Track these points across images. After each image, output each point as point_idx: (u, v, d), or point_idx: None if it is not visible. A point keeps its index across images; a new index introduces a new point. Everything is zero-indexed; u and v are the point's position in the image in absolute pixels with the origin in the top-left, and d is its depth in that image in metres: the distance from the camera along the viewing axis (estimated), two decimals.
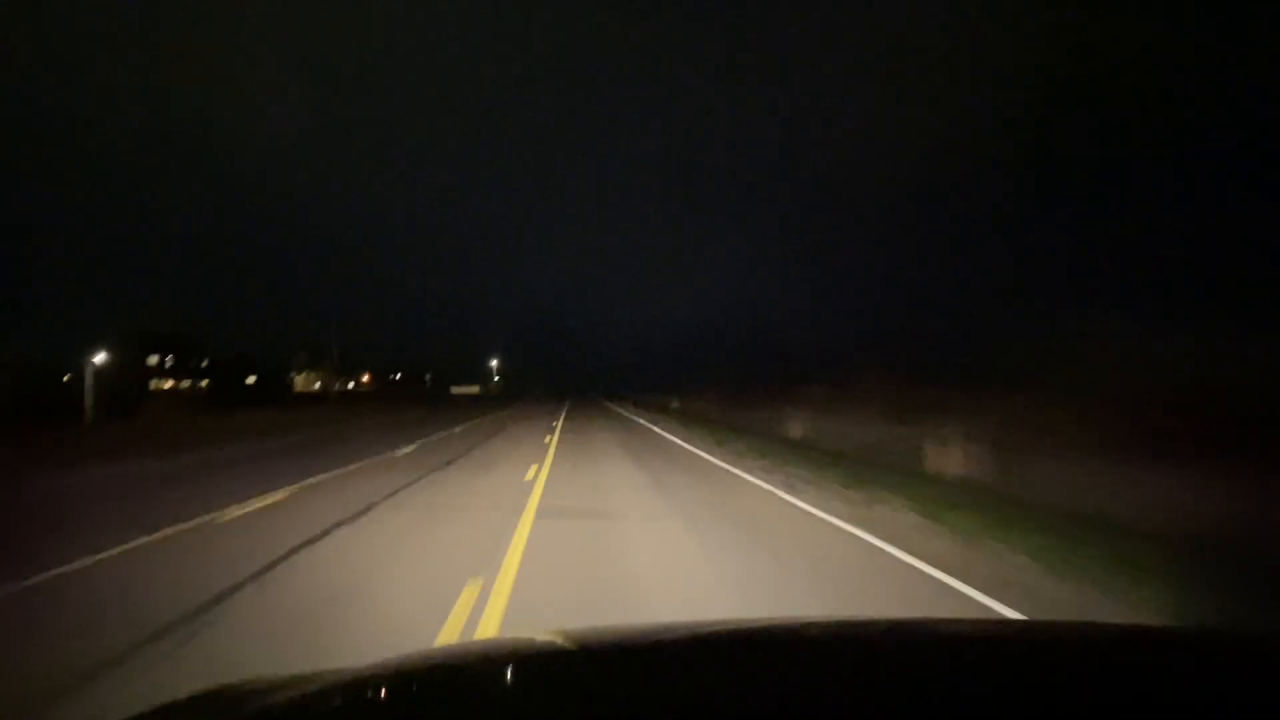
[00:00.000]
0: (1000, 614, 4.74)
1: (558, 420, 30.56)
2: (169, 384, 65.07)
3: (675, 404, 43.43)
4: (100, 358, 36.75)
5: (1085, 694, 1.06)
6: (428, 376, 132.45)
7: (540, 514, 8.10)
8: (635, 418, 34.75)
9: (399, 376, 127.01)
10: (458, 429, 24.60)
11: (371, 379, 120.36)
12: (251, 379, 75.48)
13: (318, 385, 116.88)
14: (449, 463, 13.70)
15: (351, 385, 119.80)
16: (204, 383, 64.61)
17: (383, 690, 1.20)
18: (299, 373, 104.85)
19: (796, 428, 19.42)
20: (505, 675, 1.29)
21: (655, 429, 24.98)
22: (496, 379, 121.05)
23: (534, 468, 12.78)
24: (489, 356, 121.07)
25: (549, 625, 2.73)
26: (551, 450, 16.38)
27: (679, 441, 19.52)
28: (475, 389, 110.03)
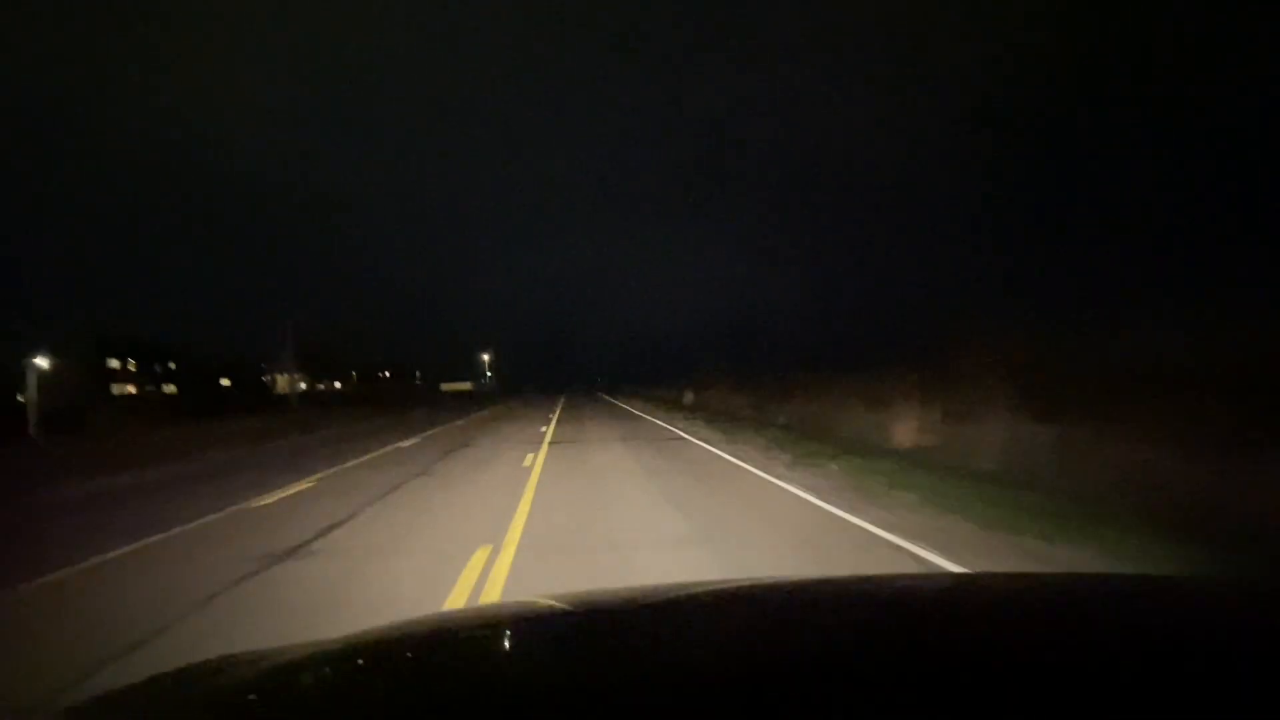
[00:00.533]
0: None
1: (548, 425, 24.56)
2: (131, 389, 60.86)
3: (689, 397, 36.18)
4: (42, 362, 32.54)
5: (1057, 641, 1.12)
6: (417, 374, 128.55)
7: None
8: (651, 418, 27.37)
9: (387, 374, 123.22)
10: (413, 439, 20.07)
11: (357, 378, 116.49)
12: (226, 381, 71.72)
13: (303, 386, 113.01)
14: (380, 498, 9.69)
15: (339, 385, 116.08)
16: (171, 387, 60.32)
17: (378, 656, 1.20)
18: (281, 374, 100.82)
19: (907, 433, 14.02)
20: (498, 640, 1.32)
21: (693, 441, 16.40)
22: (489, 375, 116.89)
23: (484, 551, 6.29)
24: (481, 351, 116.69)
25: None
26: (528, 497, 9.31)
27: (757, 472, 11.29)
28: (467, 386, 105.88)
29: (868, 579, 1.99)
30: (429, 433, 22.44)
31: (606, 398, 57.59)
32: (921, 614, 1.36)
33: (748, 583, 1.87)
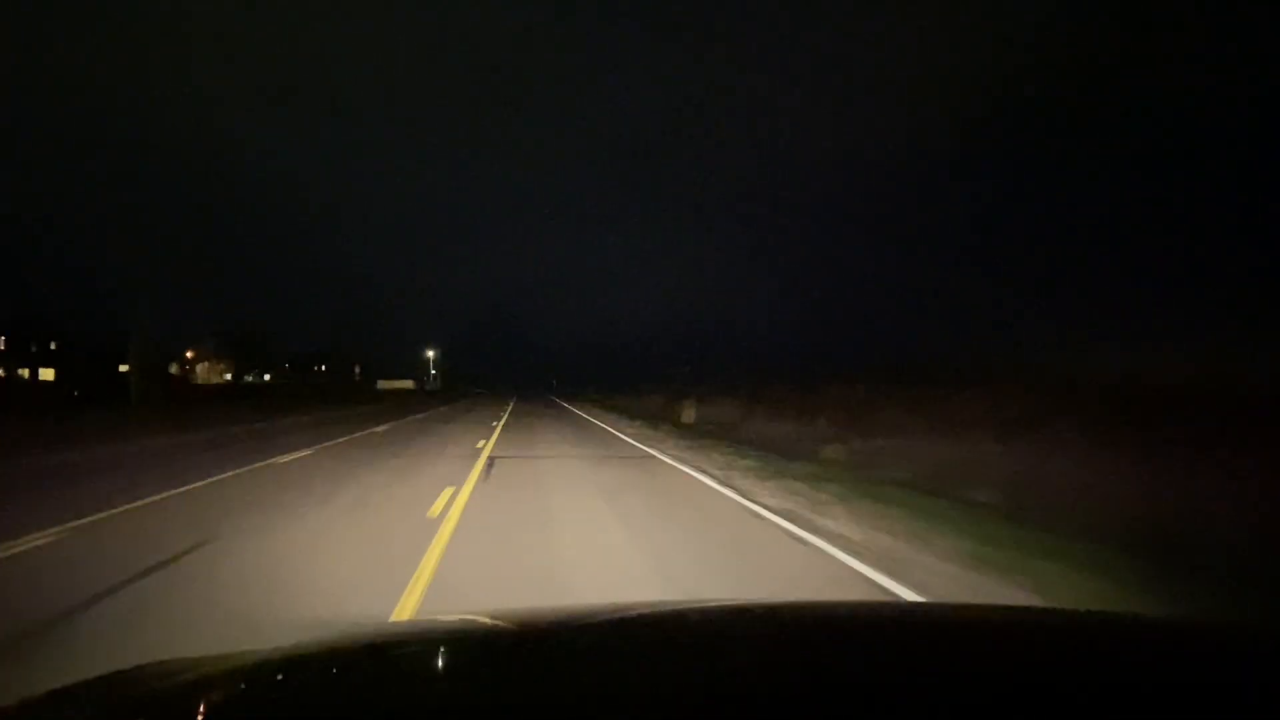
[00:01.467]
0: None
1: (486, 439, 18.23)
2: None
3: (689, 412, 27.23)
4: None
5: (1033, 678, 1.10)
6: (357, 369, 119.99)
7: None
8: (646, 445, 17.25)
9: (323, 368, 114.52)
10: (303, 453, 14.16)
11: (290, 370, 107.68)
12: (125, 368, 63.14)
13: (228, 376, 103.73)
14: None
15: (267, 377, 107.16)
16: (49, 372, 51.75)
17: (306, 673, 1.19)
18: (198, 362, 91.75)
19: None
20: (434, 657, 1.30)
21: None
22: (434, 374, 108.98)
23: None
24: (428, 348, 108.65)
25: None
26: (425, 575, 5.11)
27: None
28: (409, 384, 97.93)
29: (827, 605, 2.24)
30: (353, 436, 18.29)
31: (564, 404, 50.87)
32: (880, 644, 1.34)
33: (692, 605, 1.98)
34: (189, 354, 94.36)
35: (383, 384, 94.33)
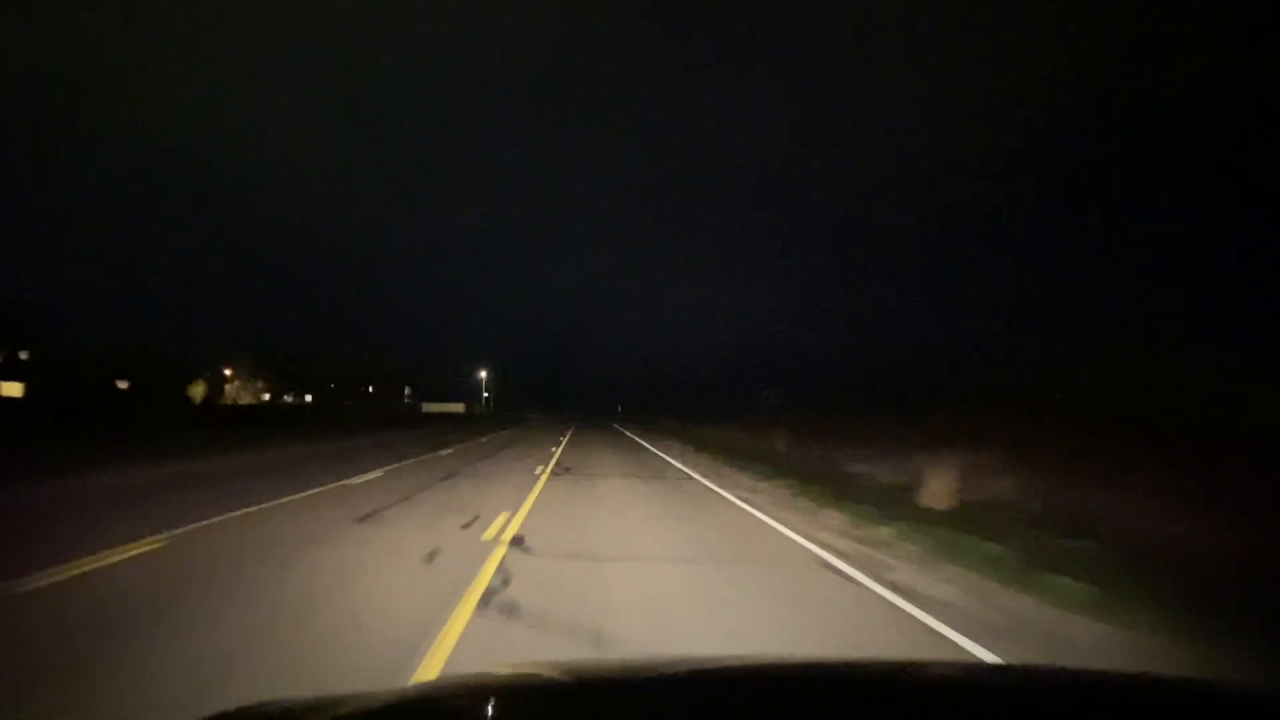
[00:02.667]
0: None
1: (513, 510, 9.80)
2: None
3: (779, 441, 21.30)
4: None
5: None
6: (407, 390, 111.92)
7: None
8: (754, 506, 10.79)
9: (369, 389, 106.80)
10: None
11: (336, 391, 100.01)
12: (124, 384, 55.35)
13: (266, 397, 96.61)
14: None
15: (309, 398, 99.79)
16: (15, 386, 43.43)
17: None
18: (227, 382, 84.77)
19: None
20: (516, 709, 1.32)
21: None
22: (485, 395, 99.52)
23: None
24: (477, 370, 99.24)
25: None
26: None
27: None
28: (459, 407, 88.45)
29: (886, 665, 2.10)
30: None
31: (634, 437, 39.37)
32: (941, 708, 1.34)
33: (756, 661, 1.92)
34: (227, 372, 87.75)
35: (429, 406, 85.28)
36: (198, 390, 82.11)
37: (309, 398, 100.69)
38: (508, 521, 8.71)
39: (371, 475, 13.71)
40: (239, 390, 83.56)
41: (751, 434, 27.17)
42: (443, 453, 20.38)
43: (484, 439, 29.04)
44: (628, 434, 38.95)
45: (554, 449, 23.65)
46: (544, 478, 13.68)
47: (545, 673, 1.56)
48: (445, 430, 35.99)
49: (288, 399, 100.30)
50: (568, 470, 16.21)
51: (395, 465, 15.95)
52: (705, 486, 13.41)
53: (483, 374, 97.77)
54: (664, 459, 21.08)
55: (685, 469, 17.73)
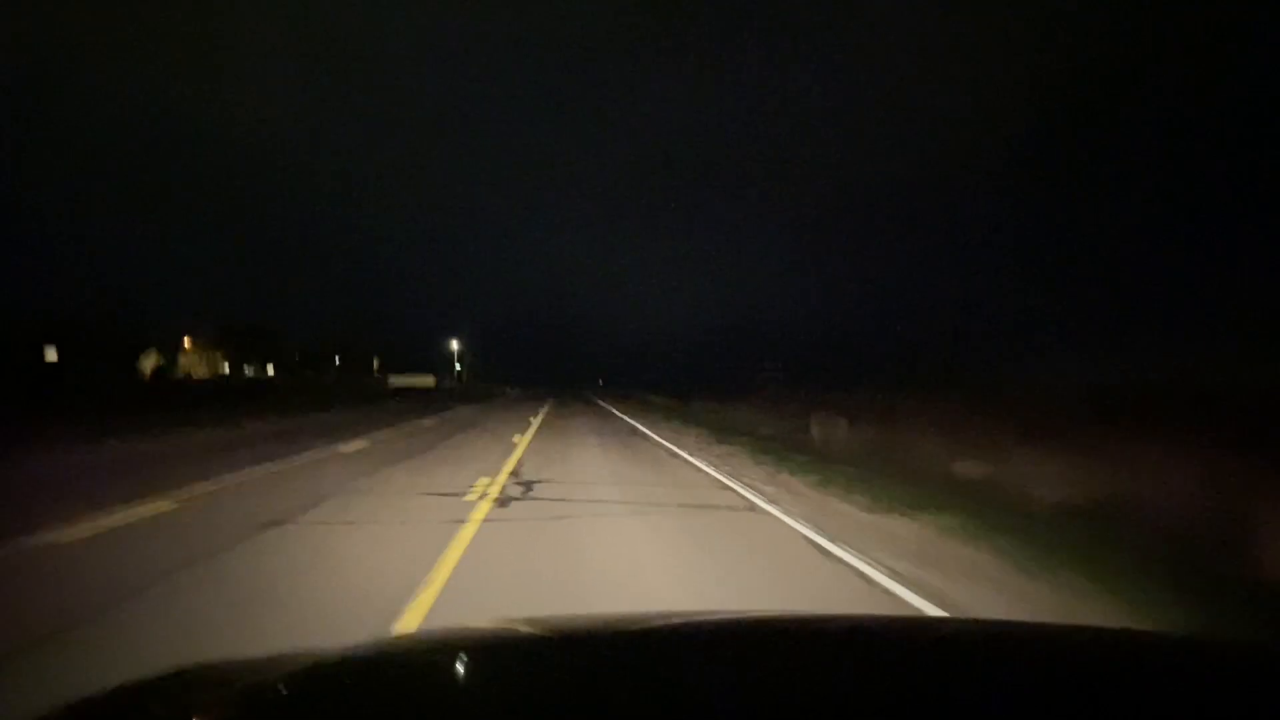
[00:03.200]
0: None
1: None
2: None
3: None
4: None
5: (1067, 698, 1.11)
6: (376, 362, 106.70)
7: None
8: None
9: (338, 361, 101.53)
10: None
11: (300, 363, 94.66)
12: (53, 355, 50.07)
13: (227, 369, 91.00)
14: None
15: (271, 371, 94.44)
16: None
17: (352, 678, 1.21)
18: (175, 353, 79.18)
19: None
20: (476, 664, 1.28)
21: None
22: (458, 369, 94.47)
23: None
24: (452, 340, 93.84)
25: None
26: None
27: None
28: (428, 380, 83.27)
29: (860, 620, 2.26)
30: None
31: (612, 408, 34.84)
32: (919, 662, 1.35)
33: (738, 616, 1.96)
34: (187, 344, 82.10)
35: (397, 380, 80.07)
36: (149, 362, 76.57)
37: (271, 371, 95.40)
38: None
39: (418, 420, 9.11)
40: (194, 363, 77.95)
41: (772, 414, 22.47)
42: (344, 449, 14.04)
43: (430, 421, 23.16)
44: (618, 414, 31.89)
45: (517, 440, 17.52)
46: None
47: (519, 628, 1.57)
48: (399, 409, 30.37)
49: (248, 372, 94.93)
50: (527, 492, 9.18)
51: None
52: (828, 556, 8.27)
53: (454, 345, 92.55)
54: (694, 467, 12.91)
55: (748, 493, 9.42)
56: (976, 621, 3.13)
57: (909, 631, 1.72)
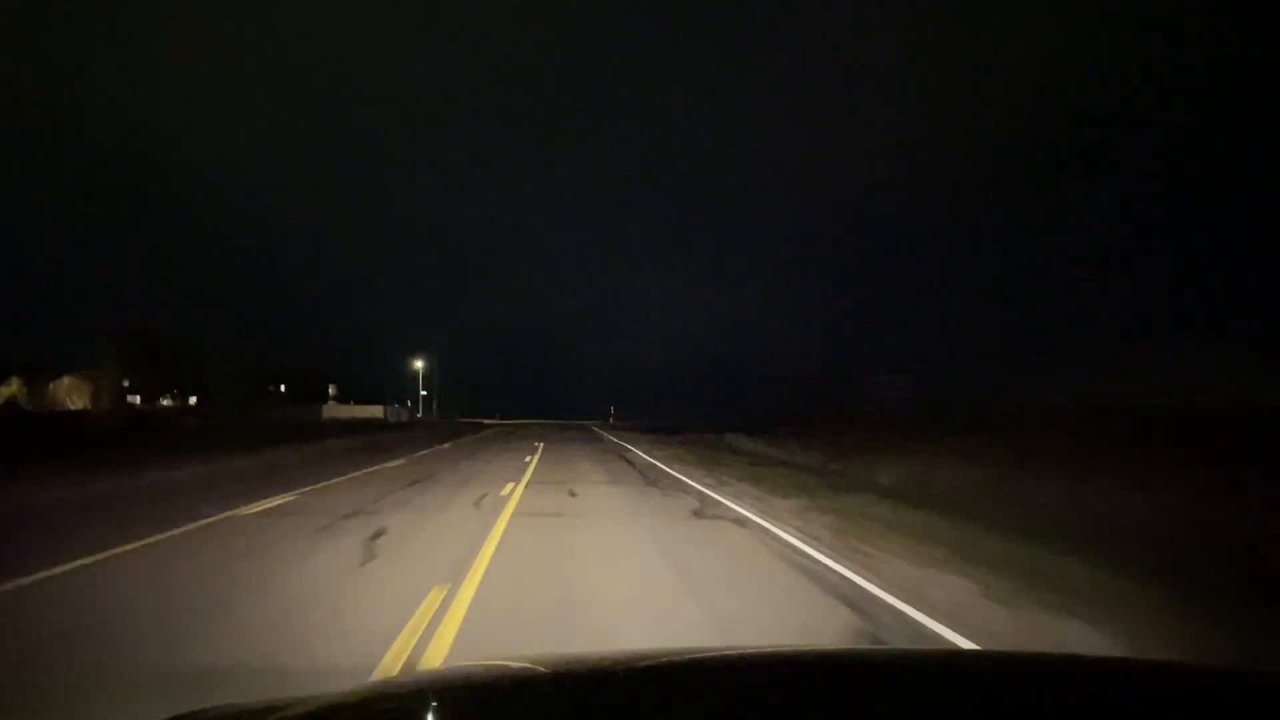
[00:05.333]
0: None
1: None
2: None
3: None
4: None
5: None
6: (331, 389, 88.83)
7: None
8: None
9: (281, 389, 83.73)
10: None
11: (229, 392, 76.68)
12: None
13: (136, 400, 73.07)
14: None
15: (193, 400, 76.59)
16: None
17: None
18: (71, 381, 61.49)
19: None
20: (484, 703, 1.30)
21: None
22: (423, 394, 76.15)
23: None
24: (413, 359, 75.45)
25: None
26: None
27: None
28: (376, 411, 65.11)
29: (868, 653, 2.45)
30: None
31: (696, 483, 16.74)
32: (917, 695, 1.34)
33: (738, 652, 1.93)
34: (89, 372, 64.54)
35: (335, 411, 62.30)
36: (7, 391, 58.79)
37: (193, 400, 77.49)
38: None
39: None
40: (72, 391, 60.24)
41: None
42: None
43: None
44: (650, 471, 16.02)
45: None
46: None
47: (519, 665, 1.57)
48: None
49: (165, 402, 77.11)
50: None
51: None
52: None
53: (418, 364, 74.21)
54: None
55: None
56: (987, 654, 3.28)
57: (918, 666, 1.69)
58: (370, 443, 26.24)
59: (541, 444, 27.75)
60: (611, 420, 76.68)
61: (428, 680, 1.70)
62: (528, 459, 19.43)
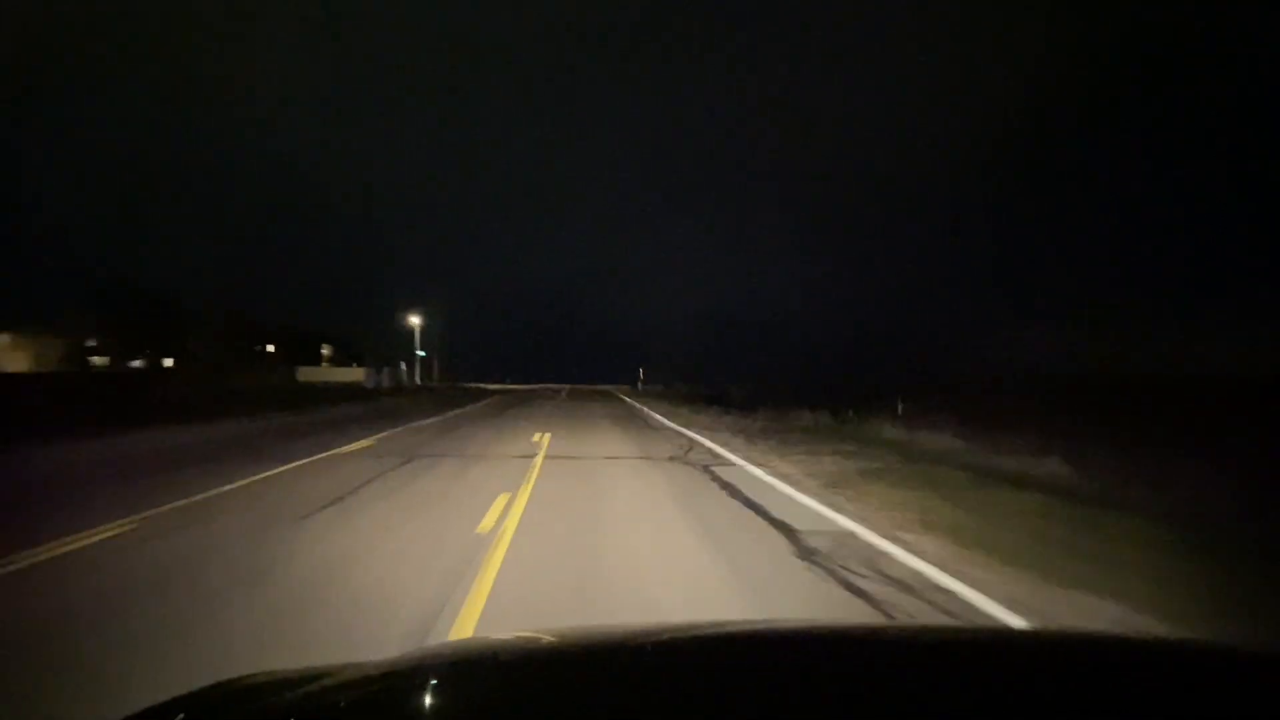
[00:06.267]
0: None
1: None
2: None
3: None
4: None
5: (1072, 704, 1.12)
6: (325, 349, 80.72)
7: None
8: None
9: (271, 349, 75.84)
10: None
11: (222, 351, 68.88)
12: None
13: (96, 360, 65.49)
14: None
15: (169, 362, 69.09)
16: None
17: (382, 691, 1.22)
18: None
19: None
20: (512, 675, 1.31)
21: None
22: (421, 354, 67.67)
23: None
24: (406, 314, 66.70)
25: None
26: None
27: None
28: (357, 375, 56.60)
29: (883, 629, 2.42)
30: None
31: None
32: (938, 672, 1.33)
33: (754, 627, 1.94)
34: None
35: (309, 374, 54.32)
36: None
37: (169, 362, 69.69)
38: None
39: None
40: (9, 350, 52.39)
41: None
42: None
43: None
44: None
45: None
46: None
47: (544, 639, 1.58)
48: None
49: (135, 363, 69.41)
50: None
51: None
52: None
53: (414, 320, 65.45)
54: None
55: None
56: (994, 630, 3.19)
57: (939, 642, 1.68)
58: (285, 429, 17.26)
59: (547, 435, 16.03)
60: (640, 385, 66.30)
61: (456, 655, 1.60)
62: (545, 433, 11.36)
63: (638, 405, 33.29)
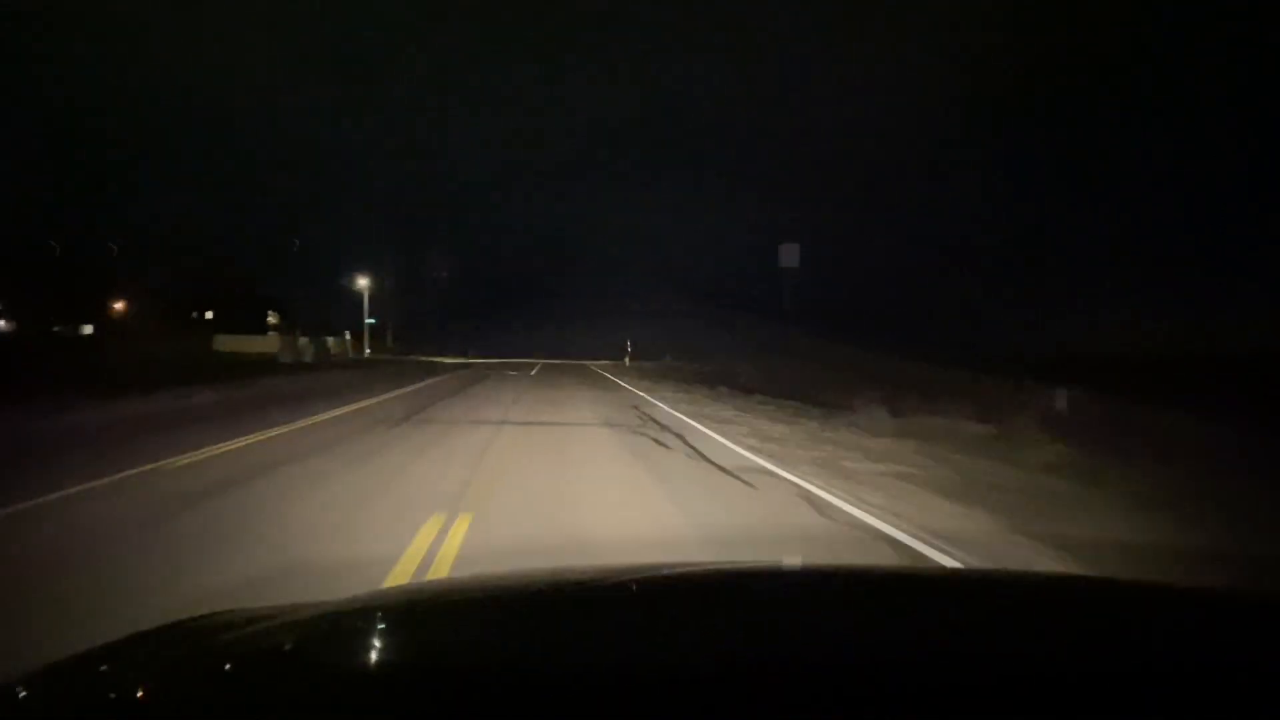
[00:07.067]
0: None
1: None
2: None
3: None
4: None
5: (1026, 640, 1.13)
6: (272, 316, 72.72)
7: None
8: None
9: (209, 315, 67.96)
10: None
11: (154, 317, 61.07)
12: None
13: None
14: None
15: (89, 329, 61.31)
16: None
17: (331, 632, 1.20)
18: None
19: None
20: (480, 613, 1.31)
21: None
22: (370, 322, 59.96)
23: None
24: (356, 276, 58.81)
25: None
26: None
27: None
28: (271, 344, 48.42)
29: (857, 571, 2.29)
30: None
31: None
32: (911, 611, 1.33)
33: (732, 568, 1.96)
34: None
35: (227, 342, 46.73)
36: None
37: (89, 329, 61.55)
38: None
39: None
40: None
41: None
42: None
43: None
44: None
45: None
46: None
47: (501, 581, 1.56)
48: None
49: (56, 329, 61.15)
50: None
51: None
52: None
53: (363, 282, 57.61)
54: None
55: None
56: (974, 572, 3.32)
57: (909, 583, 1.69)
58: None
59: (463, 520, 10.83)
60: (628, 361, 57.02)
61: (432, 592, 1.62)
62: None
63: (638, 393, 22.87)
